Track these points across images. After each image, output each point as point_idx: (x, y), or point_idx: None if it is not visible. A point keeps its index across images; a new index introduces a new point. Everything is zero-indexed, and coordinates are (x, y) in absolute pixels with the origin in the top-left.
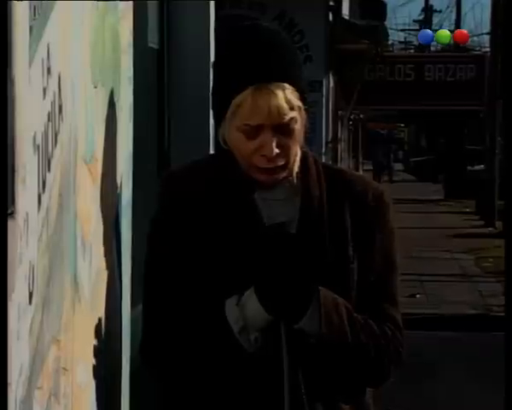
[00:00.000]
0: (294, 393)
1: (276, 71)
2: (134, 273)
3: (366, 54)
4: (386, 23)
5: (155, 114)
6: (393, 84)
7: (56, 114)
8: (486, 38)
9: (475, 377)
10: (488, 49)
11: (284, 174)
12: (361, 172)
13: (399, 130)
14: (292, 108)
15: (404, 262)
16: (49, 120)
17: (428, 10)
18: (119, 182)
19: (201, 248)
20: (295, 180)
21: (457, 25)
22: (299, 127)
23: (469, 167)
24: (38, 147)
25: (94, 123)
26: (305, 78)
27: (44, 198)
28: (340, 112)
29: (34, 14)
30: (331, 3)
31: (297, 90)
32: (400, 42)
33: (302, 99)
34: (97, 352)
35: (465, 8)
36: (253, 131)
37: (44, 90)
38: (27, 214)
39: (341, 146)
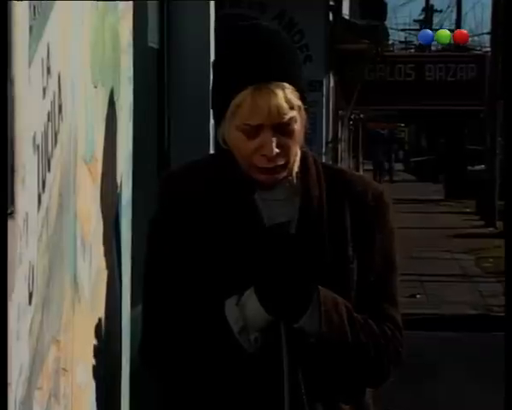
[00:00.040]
0: (294, 393)
1: (276, 70)
2: (134, 273)
3: (366, 53)
4: (387, 23)
5: (155, 114)
6: (394, 83)
7: (56, 113)
8: (487, 38)
9: (476, 378)
10: (489, 49)
11: (284, 174)
12: (361, 172)
13: (400, 130)
14: (292, 108)
15: (404, 262)
16: (48, 120)
17: (429, 10)
18: (118, 182)
19: (201, 248)
20: (295, 180)
21: (458, 24)
22: (298, 127)
23: (470, 167)
24: (38, 147)
25: (94, 123)
26: (305, 77)
27: (44, 198)
28: (340, 112)
29: (34, 14)
30: (331, 3)
31: (297, 90)
32: (401, 42)
33: (302, 99)
34: (97, 352)
35: (466, 7)
36: (252, 131)
37: (44, 89)
38: (27, 214)
39: (342, 146)
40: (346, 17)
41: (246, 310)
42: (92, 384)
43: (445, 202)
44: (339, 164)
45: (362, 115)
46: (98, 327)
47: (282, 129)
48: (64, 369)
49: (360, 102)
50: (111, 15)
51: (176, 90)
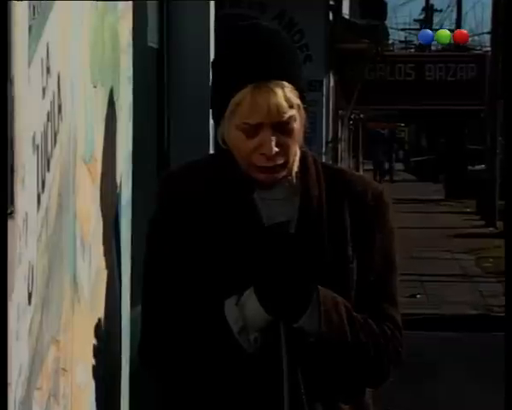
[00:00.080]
0: (294, 393)
1: (276, 69)
2: (133, 273)
3: (366, 53)
4: (387, 22)
5: (155, 114)
6: (394, 83)
7: (56, 113)
8: (487, 38)
9: (476, 378)
10: (489, 49)
11: (284, 173)
12: (361, 172)
13: (400, 129)
14: (291, 107)
15: (404, 262)
16: (48, 120)
17: (429, 9)
18: (118, 182)
19: (200, 248)
20: (294, 180)
21: (458, 24)
22: (298, 126)
23: (470, 167)
24: (38, 147)
25: (93, 123)
26: (305, 77)
27: (44, 198)
28: (340, 111)
29: (33, 14)
30: (331, 3)
31: (296, 89)
32: (401, 41)
33: (301, 98)
34: (97, 352)
35: (466, 7)
36: (252, 130)
37: (44, 89)
38: (26, 214)
39: (342, 146)
40: (346, 17)
41: (245, 310)
42: (92, 384)
43: (445, 202)
44: (339, 164)
45: (362, 115)
46: (98, 327)
47: (282, 128)
48: (63, 369)
49: (360, 101)
50: (110, 15)
51: (175, 90)
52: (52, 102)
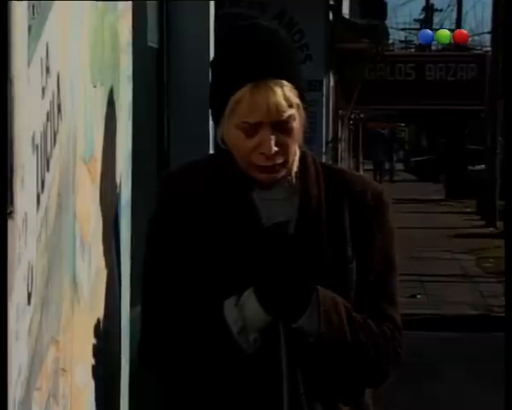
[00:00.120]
0: (293, 393)
1: (275, 68)
2: (133, 273)
3: (366, 53)
4: (387, 22)
5: (155, 114)
6: (394, 83)
7: (55, 113)
8: (487, 37)
9: (476, 378)
10: (489, 49)
11: (283, 173)
12: (361, 172)
13: (400, 129)
14: (290, 106)
15: (404, 262)
16: (47, 120)
17: (429, 9)
18: (118, 181)
19: (200, 248)
20: (294, 180)
21: (458, 24)
22: (297, 125)
23: (470, 167)
24: (37, 147)
25: (93, 122)
26: (305, 77)
27: (43, 198)
28: (340, 111)
29: (33, 14)
30: (331, 2)
31: (296, 88)
32: (401, 41)
33: (301, 97)
34: (96, 352)
35: (466, 6)
36: (251, 129)
37: (43, 89)
38: (26, 214)
39: (342, 146)
40: (346, 16)
41: (245, 310)
42: (91, 385)
43: (445, 202)
44: (339, 164)
45: (362, 115)
46: (97, 327)
47: (281, 127)
48: (63, 369)
49: (360, 101)
50: (110, 15)
51: (175, 89)
52: (52, 102)
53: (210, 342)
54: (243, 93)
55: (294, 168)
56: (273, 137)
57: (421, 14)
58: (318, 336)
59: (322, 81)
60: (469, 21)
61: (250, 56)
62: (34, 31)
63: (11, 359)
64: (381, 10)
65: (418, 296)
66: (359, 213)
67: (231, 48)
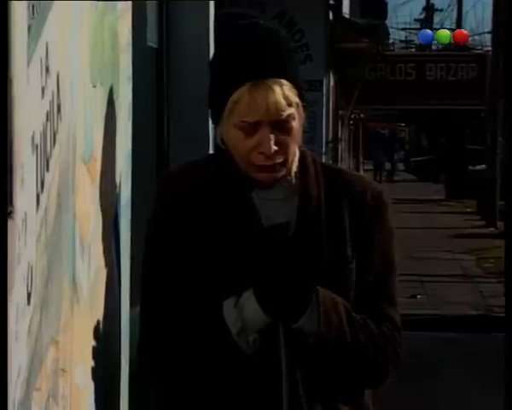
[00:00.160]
0: (293, 394)
1: (274, 67)
2: (133, 273)
3: (367, 53)
4: (387, 22)
5: (154, 114)
6: (394, 83)
7: (55, 113)
8: (488, 37)
9: (476, 378)
10: (490, 48)
11: (283, 172)
12: (361, 172)
13: (400, 129)
14: (290, 105)
15: (404, 263)
16: (47, 120)
17: (429, 9)
18: (117, 181)
19: (199, 248)
20: (294, 180)
21: (458, 23)
22: (297, 125)
23: (470, 167)
24: (37, 146)
25: (93, 122)
26: (305, 77)
27: (43, 198)
28: (340, 111)
29: (33, 14)
30: (331, 2)
31: (295, 87)
32: (401, 41)
33: (300, 96)
34: (96, 353)
35: (466, 6)
36: (250, 128)
37: (43, 89)
38: (26, 214)
39: (342, 146)
40: (347, 16)
41: (244, 311)
42: (91, 385)
43: (445, 202)
44: (339, 164)
45: (362, 115)
46: (97, 328)
47: (280, 126)
48: (63, 370)
49: (360, 101)
50: (110, 15)
51: (175, 89)
52: (51, 102)
53: (209, 343)
54: (242, 92)
55: (294, 168)
56: (272, 137)
57: (421, 13)
58: (318, 337)
59: (322, 81)
60: (470, 21)
61: (249, 55)
62: (34, 30)
63: (11, 359)
64: (381, 10)
65: (418, 297)
66: (359, 214)
67: (230, 47)
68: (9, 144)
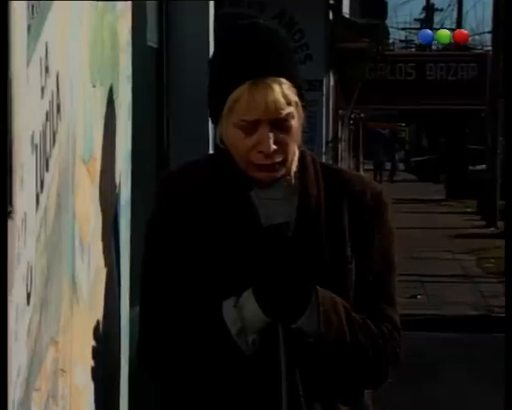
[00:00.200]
0: (292, 394)
1: (273, 66)
2: (133, 273)
3: (367, 53)
4: (387, 21)
5: (154, 114)
6: (394, 83)
7: (54, 113)
8: (488, 37)
9: (476, 378)
10: (490, 48)
11: (282, 171)
12: (361, 172)
13: (400, 129)
14: (289, 104)
15: (404, 263)
16: (47, 120)
17: (429, 9)
18: (117, 181)
19: (199, 248)
20: (293, 179)
21: (459, 23)
22: (296, 124)
23: (471, 167)
24: (36, 146)
25: (92, 122)
26: (305, 77)
27: (42, 198)
28: (340, 111)
29: (32, 13)
30: (331, 2)
31: (294, 87)
32: (401, 41)
33: (299, 96)
34: (96, 353)
35: (466, 6)
36: (250, 127)
37: (42, 89)
38: (25, 214)
39: (342, 146)
40: (347, 16)
41: (244, 311)
42: (91, 385)
43: (445, 202)
44: (339, 164)
45: (362, 115)
46: (97, 328)
47: (280, 125)
48: (62, 370)
49: (360, 101)
50: (110, 14)
51: (175, 89)
52: (51, 102)
53: (209, 343)
54: (241, 91)
55: (293, 168)
56: (272, 135)
57: (421, 13)
58: (317, 337)
59: (322, 81)
60: (470, 21)
61: (248, 54)
62: (33, 30)
63: (10, 359)
64: (381, 10)
65: (418, 297)
66: (358, 213)
67: (229, 46)
68: (9, 144)
